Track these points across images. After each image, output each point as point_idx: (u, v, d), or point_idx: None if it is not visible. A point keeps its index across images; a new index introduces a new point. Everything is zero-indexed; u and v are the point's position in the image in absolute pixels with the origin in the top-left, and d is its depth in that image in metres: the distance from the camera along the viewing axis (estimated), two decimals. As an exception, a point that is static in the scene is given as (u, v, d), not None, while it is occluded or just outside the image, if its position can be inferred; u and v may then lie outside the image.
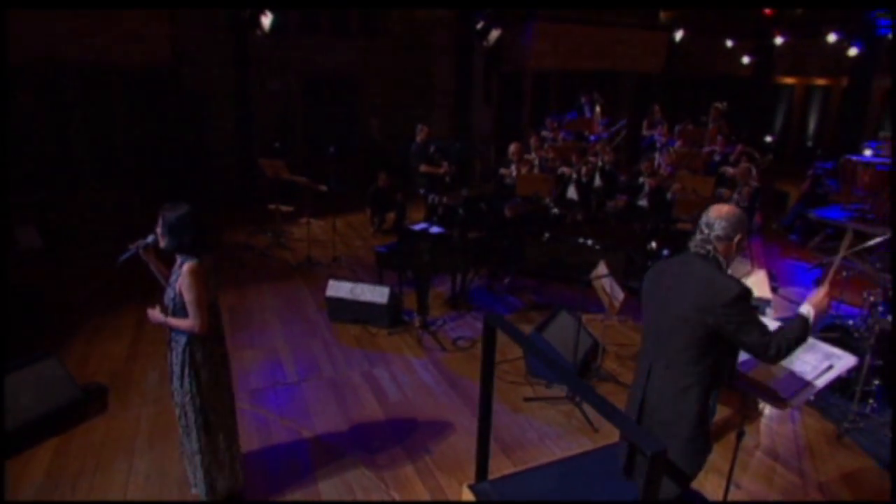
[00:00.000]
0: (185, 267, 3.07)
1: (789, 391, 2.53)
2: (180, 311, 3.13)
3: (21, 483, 3.62)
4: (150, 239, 3.15)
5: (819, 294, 2.49)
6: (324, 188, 7.51)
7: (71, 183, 9.55)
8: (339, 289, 5.92)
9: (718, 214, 2.49)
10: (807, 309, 2.45)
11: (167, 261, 3.25)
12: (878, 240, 5.01)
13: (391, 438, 4.14)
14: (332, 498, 3.54)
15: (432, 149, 8.47)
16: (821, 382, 2.52)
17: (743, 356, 2.74)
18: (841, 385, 4.47)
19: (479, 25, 11.54)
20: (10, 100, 8.42)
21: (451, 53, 12.57)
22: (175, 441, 3.96)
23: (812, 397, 4.41)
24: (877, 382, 4.41)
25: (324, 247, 8.17)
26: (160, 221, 3.07)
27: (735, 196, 7.49)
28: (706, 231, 2.49)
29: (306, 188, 7.51)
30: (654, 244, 6.90)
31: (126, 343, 5.46)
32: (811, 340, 2.67)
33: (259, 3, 9.48)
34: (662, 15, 13.24)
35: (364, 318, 5.87)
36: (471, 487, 3.12)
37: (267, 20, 9.86)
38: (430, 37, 12.41)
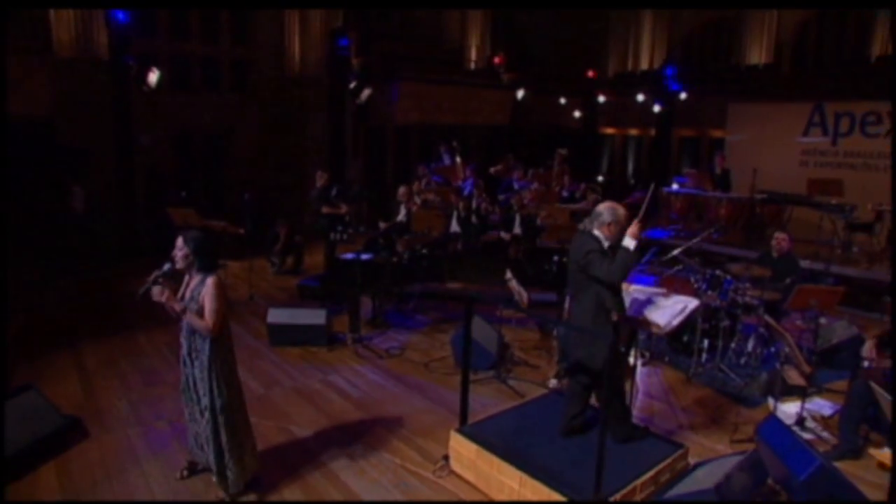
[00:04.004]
0: (211, 280, 3.68)
1: (664, 322, 3.95)
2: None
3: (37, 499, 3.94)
4: (166, 267, 3.65)
5: (633, 227, 3.75)
6: (241, 231, 8.09)
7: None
8: (279, 315, 6.59)
9: (604, 206, 3.95)
10: (627, 241, 3.74)
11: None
12: (684, 247, 6.98)
13: (369, 422, 5.00)
14: (346, 475, 4.23)
15: (334, 192, 9.39)
16: (681, 317, 3.98)
17: (632, 309, 4.16)
18: (684, 347, 6.16)
19: (353, 85, 12.84)
20: None
21: (323, 109, 13.60)
22: (175, 447, 4.48)
23: (668, 357, 6.03)
24: (706, 341, 6.15)
25: (233, 288, 8.62)
26: (183, 245, 3.64)
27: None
28: (594, 216, 3.92)
29: (223, 232, 8.03)
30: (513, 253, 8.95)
31: (76, 383, 5.61)
32: (674, 296, 4.15)
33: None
34: (506, 76, 15.52)
35: (304, 340, 6.57)
36: (458, 431, 4.13)
37: (154, 76, 10.22)
38: (303, 93, 13.34)
